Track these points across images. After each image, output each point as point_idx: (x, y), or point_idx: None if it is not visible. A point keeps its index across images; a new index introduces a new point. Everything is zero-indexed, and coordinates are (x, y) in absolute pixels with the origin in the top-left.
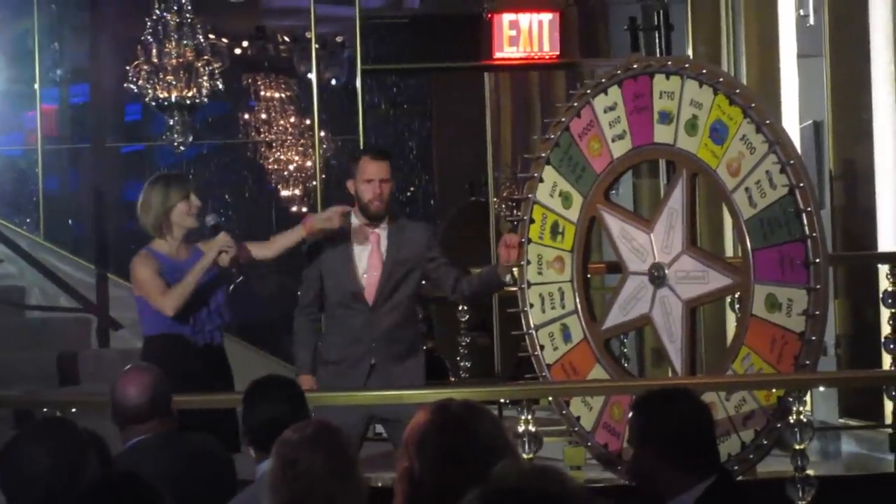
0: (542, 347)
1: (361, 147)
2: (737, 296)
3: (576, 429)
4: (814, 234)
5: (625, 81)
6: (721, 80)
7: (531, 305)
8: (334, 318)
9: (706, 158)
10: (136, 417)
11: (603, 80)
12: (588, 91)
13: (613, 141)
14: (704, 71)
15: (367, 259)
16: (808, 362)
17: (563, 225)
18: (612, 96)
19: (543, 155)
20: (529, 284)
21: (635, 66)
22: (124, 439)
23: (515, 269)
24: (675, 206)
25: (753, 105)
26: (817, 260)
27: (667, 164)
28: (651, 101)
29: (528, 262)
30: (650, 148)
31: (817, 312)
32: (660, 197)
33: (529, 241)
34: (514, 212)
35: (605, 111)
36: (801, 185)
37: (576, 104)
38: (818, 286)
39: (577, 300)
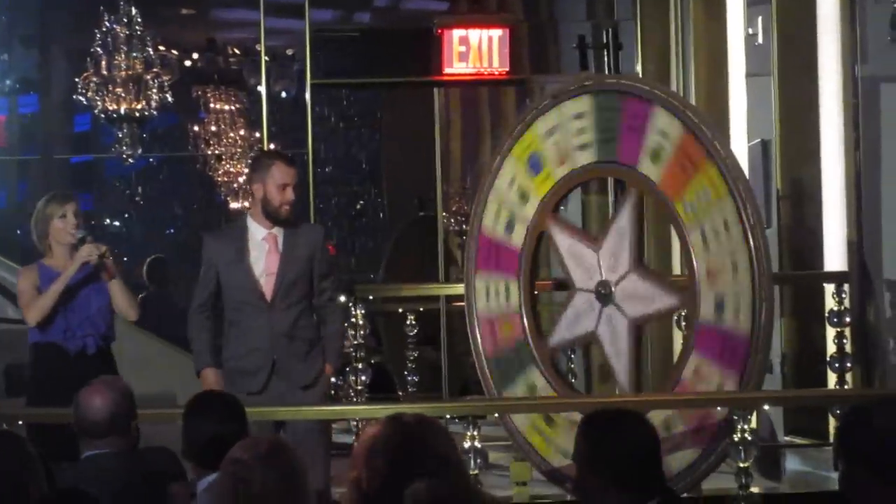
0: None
1: (265, 150)
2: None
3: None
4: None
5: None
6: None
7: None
8: (233, 323)
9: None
10: (96, 431)
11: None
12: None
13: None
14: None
15: (265, 259)
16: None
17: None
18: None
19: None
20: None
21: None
22: (83, 450)
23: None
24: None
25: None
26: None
27: (615, 182)
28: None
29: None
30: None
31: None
32: (608, 215)
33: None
34: (463, 226)
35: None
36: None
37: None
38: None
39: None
